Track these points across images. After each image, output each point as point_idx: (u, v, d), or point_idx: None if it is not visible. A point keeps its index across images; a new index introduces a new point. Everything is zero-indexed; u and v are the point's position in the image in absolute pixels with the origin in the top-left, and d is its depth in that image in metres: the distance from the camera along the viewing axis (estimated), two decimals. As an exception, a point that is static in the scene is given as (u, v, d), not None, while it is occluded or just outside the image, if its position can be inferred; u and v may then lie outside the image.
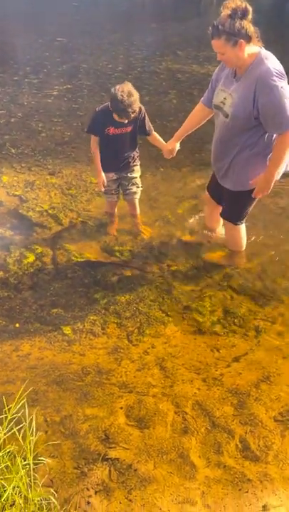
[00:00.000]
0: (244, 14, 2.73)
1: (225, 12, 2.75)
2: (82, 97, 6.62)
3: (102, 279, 3.49)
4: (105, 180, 3.70)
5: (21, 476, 1.89)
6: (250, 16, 2.77)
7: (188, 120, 3.48)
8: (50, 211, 4.18)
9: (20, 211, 4.17)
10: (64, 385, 2.68)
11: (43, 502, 1.95)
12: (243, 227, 3.58)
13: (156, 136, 3.68)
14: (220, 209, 3.66)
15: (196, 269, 3.63)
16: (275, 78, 2.79)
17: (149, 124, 3.61)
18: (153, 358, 2.90)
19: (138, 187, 3.86)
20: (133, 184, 3.82)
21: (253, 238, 3.89)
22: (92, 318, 3.16)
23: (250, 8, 2.74)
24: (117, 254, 3.75)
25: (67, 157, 5.07)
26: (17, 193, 4.42)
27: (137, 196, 3.90)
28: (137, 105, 3.34)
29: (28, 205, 4.24)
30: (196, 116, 3.45)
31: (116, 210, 4.01)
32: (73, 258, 3.68)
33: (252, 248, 3.80)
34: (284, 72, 2.87)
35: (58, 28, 9.81)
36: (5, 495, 1.82)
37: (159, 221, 4.11)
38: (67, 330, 3.06)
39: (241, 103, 2.93)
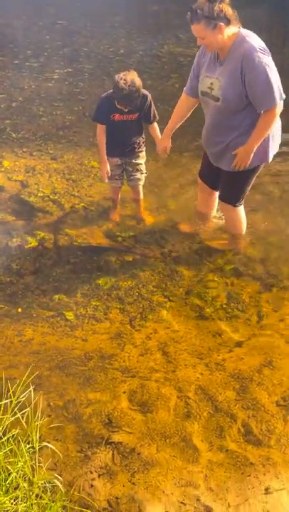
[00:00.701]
0: None
1: None
2: (83, 80, 6.55)
3: (104, 265, 3.48)
4: (109, 171, 3.68)
5: (26, 460, 1.90)
6: (229, 3, 2.78)
7: (175, 113, 3.46)
8: (51, 196, 4.16)
9: (21, 196, 4.15)
10: (67, 369, 2.68)
11: (48, 485, 1.97)
12: (241, 209, 3.55)
13: (155, 128, 3.65)
14: (214, 195, 3.65)
15: (199, 254, 3.62)
16: (259, 54, 2.81)
17: (155, 113, 3.58)
18: (155, 343, 2.90)
19: (142, 173, 3.83)
20: (138, 170, 3.80)
21: (256, 224, 3.88)
22: (94, 303, 3.16)
23: None
24: (120, 239, 3.73)
25: (69, 142, 5.04)
26: (18, 178, 4.39)
27: (141, 183, 3.88)
28: (138, 94, 3.32)
29: (29, 191, 4.22)
30: (182, 107, 3.42)
31: (119, 195, 3.98)
32: (75, 243, 3.67)
33: (254, 234, 3.79)
34: (267, 48, 2.87)
35: (59, 11, 9.67)
36: (10, 478, 1.84)
37: (162, 207, 4.09)
38: (69, 315, 3.06)
39: (230, 84, 2.92)
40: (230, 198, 3.46)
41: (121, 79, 3.26)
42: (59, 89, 6.25)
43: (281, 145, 3.33)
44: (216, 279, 3.41)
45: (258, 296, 3.29)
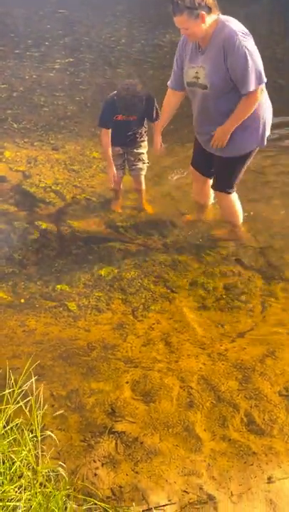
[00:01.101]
0: None
1: None
2: (84, 70, 6.50)
3: (106, 256, 3.48)
4: (116, 175, 3.71)
5: (29, 449, 1.91)
6: None
7: (164, 110, 3.46)
8: (53, 187, 4.15)
9: (23, 187, 4.14)
10: (70, 359, 2.69)
11: (51, 474, 1.98)
12: (235, 196, 3.51)
13: (157, 126, 3.61)
14: (208, 183, 3.63)
15: (201, 245, 3.62)
16: (240, 37, 2.83)
17: (158, 113, 3.58)
18: (158, 333, 2.90)
19: (144, 163, 3.82)
20: (139, 160, 3.78)
21: (258, 215, 3.87)
22: (97, 294, 3.16)
23: None
24: (122, 230, 3.73)
25: (70, 132, 5.01)
26: (20, 168, 4.38)
27: (143, 172, 3.86)
28: (141, 103, 3.38)
29: (31, 181, 4.21)
30: (170, 103, 3.41)
31: (121, 186, 3.97)
32: (77, 234, 3.67)
33: (257, 224, 3.78)
34: (248, 31, 2.88)
35: (59, 0, 9.58)
36: (14, 467, 1.85)
37: (164, 197, 4.08)
38: (72, 306, 3.06)
39: (215, 70, 2.94)
40: (223, 185, 3.43)
41: (123, 88, 3.33)
42: (60, 79, 6.20)
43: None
44: (218, 269, 3.40)
45: (261, 287, 3.29)
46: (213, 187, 3.52)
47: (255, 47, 2.89)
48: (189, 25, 2.85)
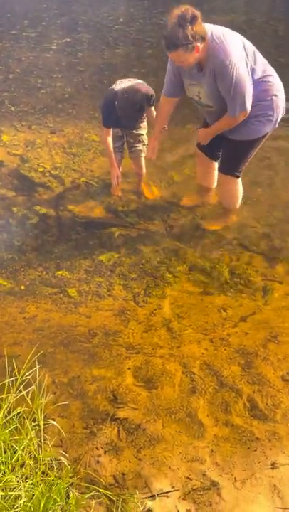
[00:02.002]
0: (193, 19, 2.66)
1: (172, 21, 2.66)
2: (82, 51, 6.37)
3: (107, 241, 3.44)
4: (120, 175, 3.67)
5: (31, 438, 1.89)
6: (199, 19, 2.68)
7: (160, 117, 3.40)
8: (52, 171, 4.09)
9: (21, 171, 4.07)
10: (71, 346, 2.67)
11: (54, 462, 1.97)
12: (240, 182, 3.47)
13: (152, 112, 3.55)
14: (213, 166, 3.57)
15: (202, 229, 3.57)
16: (231, 64, 2.76)
17: (154, 103, 3.52)
18: (160, 319, 2.88)
19: (144, 144, 3.74)
20: (139, 141, 3.71)
21: (260, 197, 3.81)
22: (97, 280, 3.13)
23: (197, 13, 2.67)
24: (122, 215, 3.68)
25: (68, 115, 4.92)
26: (18, 152, 4.31)
27: (143, 154, 3.78)
28: (138, 114, 3.44)
29: (29, 165, 4.15)
30: (165, 110, 3.36)
31: (120, 169, 3.90)
32: (77, 219, 3.62)
33: (259, 207, 3.73)
34: (238, 45, 2.82)
35: (55, -22, 9.36)
36: (15, 456, 1.83)
37: (165, 181, 4.02)
38: (72, 292, 3.04)
39: (213, 91, 2.94)
40: (231, 168, 3.36)
41: (123, 98, 3.30)
42: (57, 60, 6.08)
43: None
44: (220, 253, 3.36)
45: (263, 271, 3.26)
46: (221, 170, 3.45)
47: (246, 69, 2.82)
48: (184, 59, 2.79)
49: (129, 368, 2.55)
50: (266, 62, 3.02)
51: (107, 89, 3.49)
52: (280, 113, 3.11)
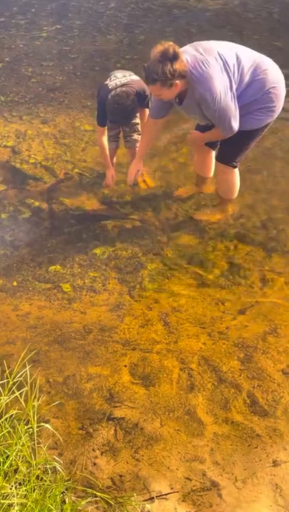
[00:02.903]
0: (174, 57, 2.67)
1: (154, 56, 2.70)
2: (73, 38, 6.22)
3: (101, 234, 3.36)
4: (114, 175, 3.62)
5: (23, 443, 1.83)
6: (181, 57, 2.68)
7: (146, 140, 3.33)
8: (44, 163, 3.99)
9: (12, 163, 3.98)
10: (66, 344, 2.61)
11: (48, 465, 1.91)
12: (237, 172, 3.38)
13: (146, 113, 3.44)
14: (211, 154, 3.49)
15: (199, 220, 3.48)
16: (213, 99, 2.77)
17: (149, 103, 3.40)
18: (156, 313, 2.81)
19: (140, 134, 3.64)
20: (135, 131, 3.61)
21: (257, 185, 3.73)
22: (92, 274, 3.06)
23: (178, 52, 2.68)
24: (117, 206, 3.59)
25: (60, 104, 4.81)
26: (8, 144, 4.21)
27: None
28: (129, 118, 3.37)
29: (20, 157, 4.05)
30: (152, 132, 3.29)
31: (114, 159, 3.81)
32: (70, 212, 3.54)
33: (256, 196, 3.65)
34: (217, 69, 2.77)
35: None
36: (8, 462, 1.77)
37: (159, 171, 3.92)
38: (66, 287, 2.96)
39: (204, 116, 2.97)
40: (229, 157, 3.27)
41: (114, 101, 3.21)
42: (48, 48, 5.94)
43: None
44: (217, 244, 3.29)
45: (261, 261, 3.18)
46: (218, 159, 3.35)
47: (229, 94, 2.80)
48: (162, 93, 2.81)
49: (125, 365, 2.49)
50: (256, 57, 2.92)
51: (101, 85, 3.38)
52: (281, 102, 3.03)
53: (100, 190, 3.72)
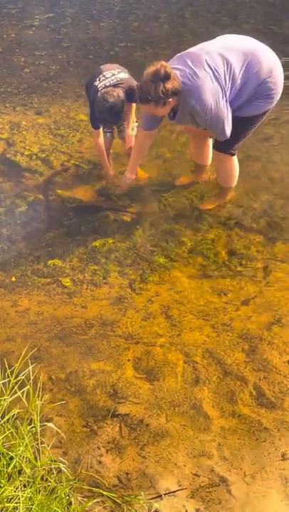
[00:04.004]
0: (166, 77, 2.70)
1: (147, 77, 2.73)
2: (65, 26, 6.10)
3: (100, 226, 3.30)
4: (113, 172, 3.57)
5: (26, 444, 1.78)
6: (172, 76, 2.71)
7: (140, 152, 3.32)
8: (39, 154, 3.91)
9: (7, 156, 3.90)
10: (67, 339, 2.56)
11: (53, 465, 1.87)
12: (236, 160, 3.31)
13: (132, 107, 3.41)
14: (208, 142, 3.44)
15: (198, 209, 3.42)
16: (198, 109, 2.80)
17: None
18: (158, 306, 2.76)
19: (134, 123, 3.57)
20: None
21: (258, 173, 3.66)
22: (92, 267, 3.00)
23: (169, 71, 2.70)
24: (115, 198, 3.52)
25: (54, 94, 4.71)
26: (3, 136, 4.12)
27: (134, 133, 3.61)
28: (120, 112, 3.26)
29: (15, 149, 3.97)
30: (145, 144, 3.28)
31: (110, 150, 3.73)
32: (68, 204, 3.47)
33: (257, 184, 3.58)
34: (208, 78, 2.77)
35: None
36: (12, 464, 1.73)
37: (157, 159, 3.85)
38: (66, 282, 2.91)
39: (196, 123, 3.00)
40: (227, 145, 3.20)
41: (103, 99, 3.14)
42: (41, 37, 5.82)
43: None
44: (218, 234, 3.23)
45: (263, 250, 3.13)
46: (217, 148, 3.28)
47: (221, 101, 2.81)
48: (156, 111, 2.87)
49: (128, 360, 2.44)
50: (248, 51, 2.86)
51: (90, 84, 3.31)
52: (280, 87, 2.99)
53: (97, 182, 3.65)
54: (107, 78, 3.26)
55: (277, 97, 3.00)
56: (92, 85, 3.29)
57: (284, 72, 3.00)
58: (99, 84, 3.24)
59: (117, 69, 3.35)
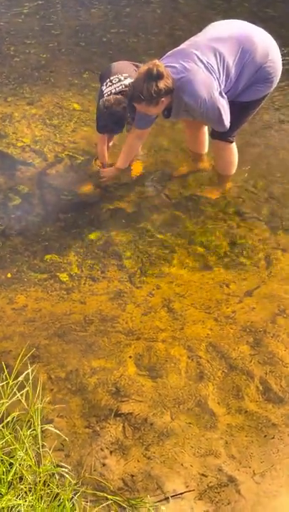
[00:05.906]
0: (158, 77, 2.66)
1: (140, 76, 2.70)
2: (55, 13, 5.95)
3: (96, 219, 3.21)
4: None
5: (26, 449, 1.71)
6: (165, 75, 2.66)
7: (130, 150, 3.30)
8: (32, 146, 3.80)
9: (-1, 148, 3.79)
10: (66, 337, 2.48)
11: (55, 470, 1.80)
12: (234, 147, 3.22)
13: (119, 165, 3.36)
14: (203, 129, 3.35)
15: (198, 198, 3.34)
16: (192, 103, 2.75)
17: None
18: (159, 299, 2.69)
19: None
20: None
21: (257, 160, 3.57)
22: (89, 262, 2.92)
23: (162, 70, 2.65)
24: (111, 189, 3.43)
25: (46, 83, 4.59)
26: (-6, 128, 4.01)
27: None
28: (119, 124, 3.21)
29: (7, 141, 3.85)
30: (137, 144, 3.30)
31: (111, 142, 3.62)
32: (63, 197, 3.37)
33: (257, 171, 3.50)
34: (201, 71, 2.70)
35: None
36: (12, 470, 1.66)
37: (154, 148, 3.75)
38: (64, 277, 2.82)
39: (192, 117, 2.97)
40: (226, 132, 3.11)
41: (104, 106, 3.08)
42: (30, 25, 5.67)
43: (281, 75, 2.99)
44: (218, 224, 3.15)
45: (265, 240, 3.05)
46: (213, 135, 3.18)
47: (215, 94, 2.73)
48: (149, 110, 2.83)
49: (130, 356, 2.37)
50: (241, 37, 2.76)
51: (100, 88, 3.26)
52: (279, 70, 2.91)
53: (93, 173, 3.55)
54: (113, 84, 3.20)
55: (277, 79, 2.92)
56: (100, 89, 3.25)
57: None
58: (105, 89, 3.19)
59: (125, 72, 3.24)
